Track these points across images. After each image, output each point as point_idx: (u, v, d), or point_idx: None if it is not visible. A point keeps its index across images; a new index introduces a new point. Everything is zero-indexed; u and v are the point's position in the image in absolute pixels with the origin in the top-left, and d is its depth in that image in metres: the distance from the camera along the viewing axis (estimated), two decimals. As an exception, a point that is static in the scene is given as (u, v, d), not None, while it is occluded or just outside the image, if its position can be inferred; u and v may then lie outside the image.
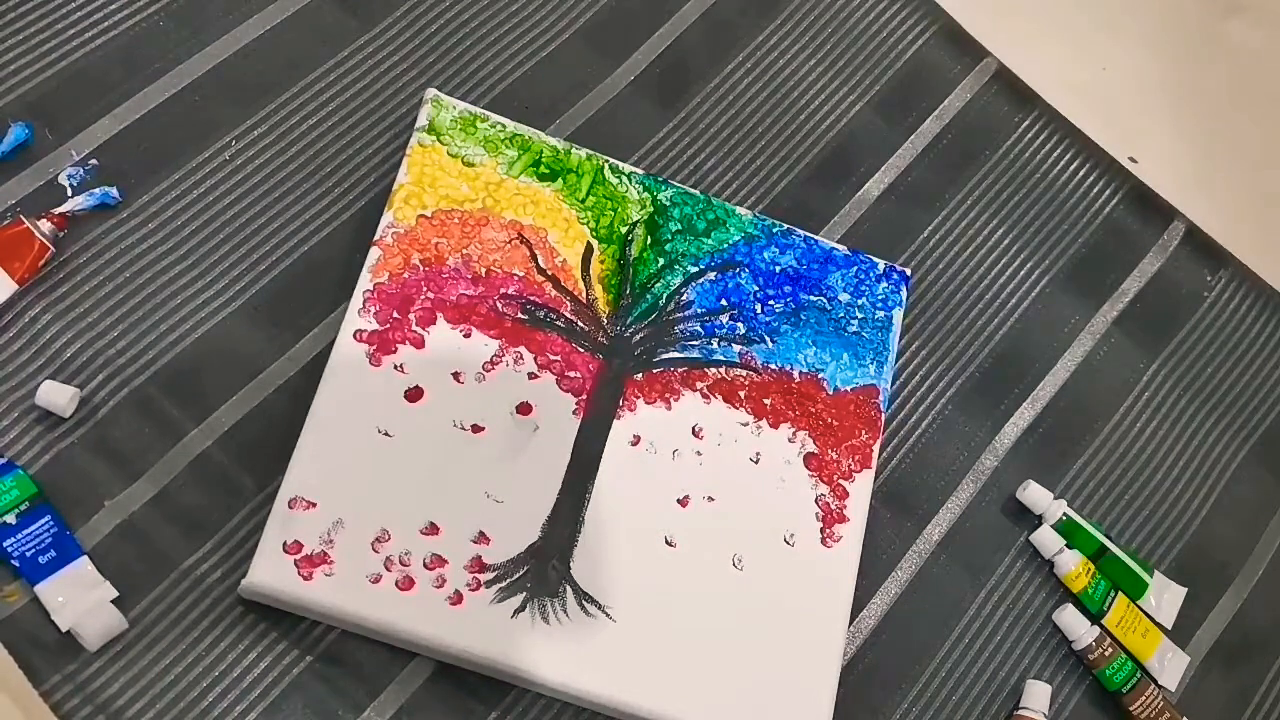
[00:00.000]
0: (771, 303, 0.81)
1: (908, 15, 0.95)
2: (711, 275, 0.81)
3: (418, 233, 0.76)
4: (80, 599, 0.65)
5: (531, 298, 0.77)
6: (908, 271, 0.85)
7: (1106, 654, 0.79)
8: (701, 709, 0.71)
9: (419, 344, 0.74)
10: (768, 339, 0.80)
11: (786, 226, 0.83)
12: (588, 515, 0.73)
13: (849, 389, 0.80)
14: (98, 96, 0.77)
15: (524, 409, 0.74)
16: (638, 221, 0.80)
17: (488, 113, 0.80)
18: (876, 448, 0.80)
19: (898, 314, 0.83)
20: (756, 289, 0.81)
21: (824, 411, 0.79)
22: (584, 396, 0.75)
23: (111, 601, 0.66)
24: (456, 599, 0.69)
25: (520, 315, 0.76)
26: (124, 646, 0.66)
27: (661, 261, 0.80)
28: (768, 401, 0.78)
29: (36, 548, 0.66)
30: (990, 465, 0.84)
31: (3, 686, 0.64)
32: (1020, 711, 0.77)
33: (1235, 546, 0.87)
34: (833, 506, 0.77)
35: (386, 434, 0.71)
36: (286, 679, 0.68)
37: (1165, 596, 0.83)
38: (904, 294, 0.84)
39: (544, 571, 0.71)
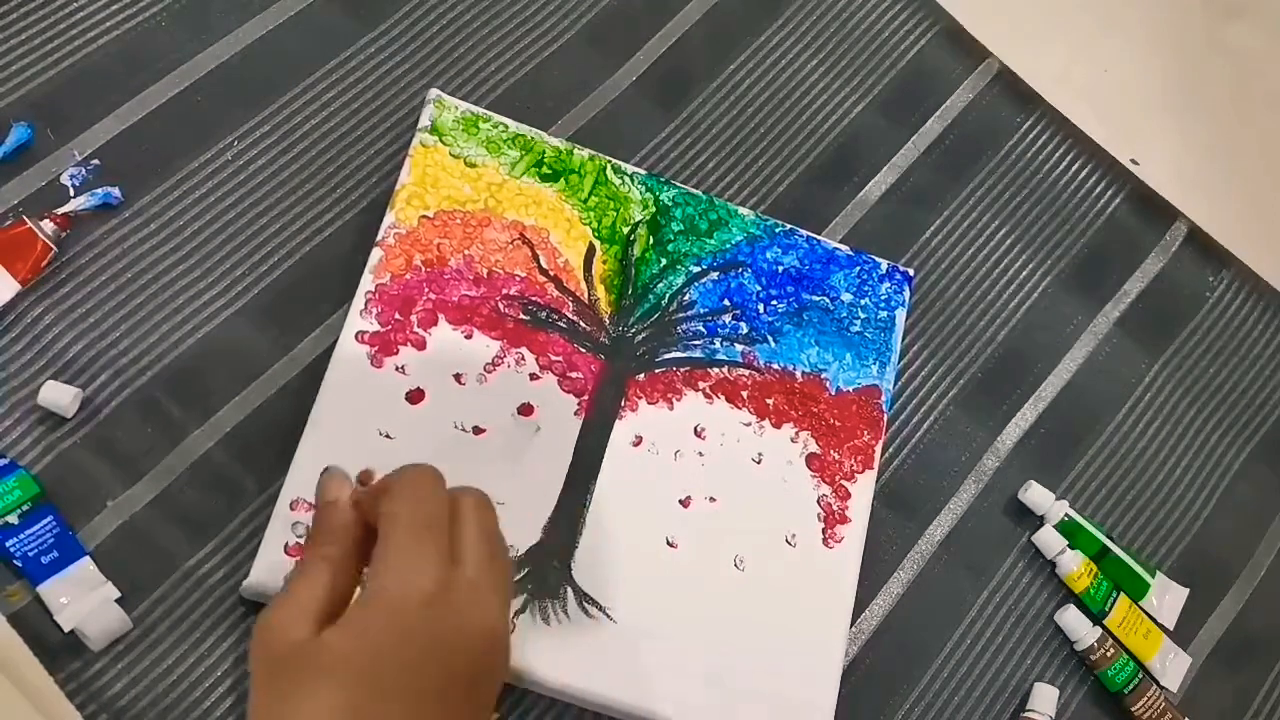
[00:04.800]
0: (774, 303, 0.81)
1: (909, 16, 0.95)
2: (714, 275, 0.81)
3: (420, 233, 0.76)
4: (83, 599, 0.65)
5: (533, 298, 0.77)
6: (911, 272, 0.85)
7: (1108, 655, 0.79)
8: (702, 710, 0.71)
9: (420, 345, 0.74)
10: (770, 339, 0.80)
11: (789, 227, 0.83)
12: (589, 516, 0.73)
13: (851, 389, 0.80)
14: (100, 97, 0.77)
15: (525, 410, 0.74)
16: (640, 222, 0.80)
17: (490, 113, 0.80)
18: (879, 448, 0.80)
19: (900, 314, 0.83)
20: (759, 289, 0.81)
21: (826, 412, 0.79)
22: (586, 397, 0.75)
23: (115, 601, 0.66)
24: (458, 599, 0.69)
25: (522, 316, 0.76)
26: (126, 646, 0.66)
27: (664, 262, 0.80)
28: (770, 401, 0.78)
29: (39, 548, 0.66)
30: (992, 466, 0.84)
31: (17, 681, 0.64)
32: (1026, 714, 0.77)
33: (1237, 547, 0.87)
34: (834, 507, 0.77)
35: (388, 435, 0.71)
36: (288, 679, 0.68)
37: (1167, 597, 0.83)
38: (907, 294, 0.84)
39: (544, 572, 0.71)
